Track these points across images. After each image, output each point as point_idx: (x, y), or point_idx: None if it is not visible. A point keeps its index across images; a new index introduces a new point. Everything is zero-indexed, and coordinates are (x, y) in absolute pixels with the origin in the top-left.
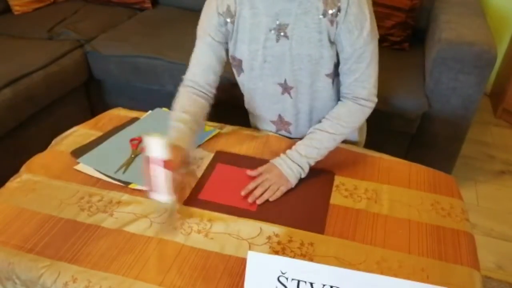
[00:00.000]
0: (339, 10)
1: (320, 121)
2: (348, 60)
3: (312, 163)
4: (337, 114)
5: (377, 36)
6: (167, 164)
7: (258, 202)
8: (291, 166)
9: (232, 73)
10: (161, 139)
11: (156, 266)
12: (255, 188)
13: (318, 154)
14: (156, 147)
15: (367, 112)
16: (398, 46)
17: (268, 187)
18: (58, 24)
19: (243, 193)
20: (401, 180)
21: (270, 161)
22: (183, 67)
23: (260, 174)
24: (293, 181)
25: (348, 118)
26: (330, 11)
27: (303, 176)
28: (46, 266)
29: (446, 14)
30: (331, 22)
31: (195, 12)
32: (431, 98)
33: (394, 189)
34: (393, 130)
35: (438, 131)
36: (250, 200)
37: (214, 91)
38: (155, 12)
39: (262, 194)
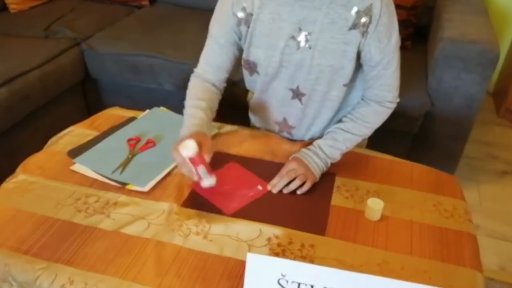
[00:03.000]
0: (370, 20)
1: (340, 120)
2: (375, 68)
3: (333, 162)
4: (362, 116)
5: (400, 42)
6: (198, 159)
7: (285, 191)
8: (316, 161)
9: (233, 72)
10: (189, 142)
11: (154, 268)
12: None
13: (339, 155)
14: (188, 149)
15: (390, 112)
16: (400, 44)
17: (295, 178)
18: (55, 22)
19: (269, 187)
20: (403, 181)
21: (293, 155)
22: (182, 65)
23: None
24: (318, 176)
25: (373, 119)
26: (362, 21)
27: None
28: (43, 268)
29: (448, 12)
30: (362, 33)
31: (193, 9)
32: (434, 97)
33: (396, 190)
34: (395, 130)
35: (441, 131)
36: (274, 191)
37: (225, 84)
38: (153, 9)
39: (288, 184)
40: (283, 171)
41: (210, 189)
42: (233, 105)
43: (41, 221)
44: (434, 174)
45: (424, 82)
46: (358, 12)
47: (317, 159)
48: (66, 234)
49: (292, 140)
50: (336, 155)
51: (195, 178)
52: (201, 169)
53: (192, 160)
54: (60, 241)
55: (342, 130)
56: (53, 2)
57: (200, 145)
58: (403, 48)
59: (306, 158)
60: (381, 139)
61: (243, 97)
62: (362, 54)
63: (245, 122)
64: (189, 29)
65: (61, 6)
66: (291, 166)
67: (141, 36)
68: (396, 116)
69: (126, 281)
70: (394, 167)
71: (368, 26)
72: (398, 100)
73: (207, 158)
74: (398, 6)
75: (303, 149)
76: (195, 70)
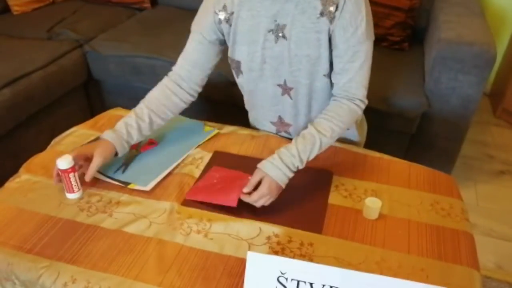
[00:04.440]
0: (336, 7)
1: (316, 120)
2: (341, 59)
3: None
4: (338, 115)
5: (373, 38)
6: (72, 171)
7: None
8: (289, 176)
9: (232, 73)
10: (65, 156)
11: (156, 266)
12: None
13: (313, 157)
14: (62, 162)
15: (360, 114)
16: (397, 46)
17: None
18: (57, 24)
19: (242, 197)
20: (401, 180)
21: (262, 169)
22: None
23: (255, 190)
24: (284, 185)
25: (347, 118)
26: (329, 9)
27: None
28: (46, 266)
29: (445, 14)
30: (330, 20)
31: (194, 12)
32: (431, 98)
33: (394, 189)
34: (393, 130)
35: (438, 131)
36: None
37: (198, 88)
38: (154, 12)
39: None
40: (255, 195)
41: (205, 192)
42: (233, 105)
43: (44, 220)
44: (431, 173)
45: (421, 84)
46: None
47: (291, 173)
48: (69, 233)
49: (291, 140)
50: (311, 157)
51: (65, 188)
52: (73, 180)
53: (63, 171)
54: (63, 240)
55: (321, 133)
56: (56, 4)
57: (89, 161)
58: (400, 49)
59: (282, 179)
60: (378, 139)
61: (243, 97)
62: (331, 44)
63: (245, 122)
64: (190, 31)
65: (63, 8)
66: (264, 191)
67: (143, 38)
68: (394, 116)
69: (128, 279)
70: (392, 167)
71: (334, 13)
72: (367, 102)
73: (88, 177)
74: (396, 9)
75: (275, 157)
76: (173, 67)
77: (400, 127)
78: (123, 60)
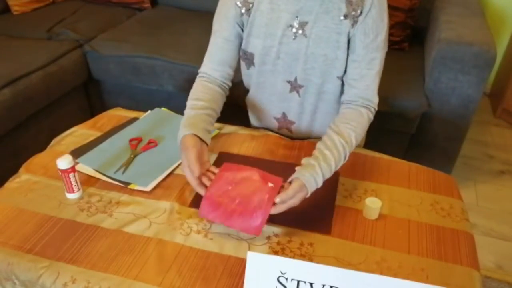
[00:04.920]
0: (361, 12)
1: (339, 128)
2: (359, 64)
3: None
4: (361, 125)
5: (387, 48)
6: (72, 171)
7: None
8: (318, 183)
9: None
10: (65, 156)
11: (156, 266)
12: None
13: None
14: (62, 162)
15: (370, 122)
16: (397, 46)
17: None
18: (57, 24)
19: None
20: (401, 180)
21: (306, 184)
22: (183, 67)
23: (289, 199)
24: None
25: (366, 129)
26: (353, 13)
27: None
28: (45, 266)
29: (445, 14)
30: (353, 24)
31: (194, 12)
32: (431, 98)
33: (394, 189)
34: (393, 130)
35: (438, 131)
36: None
37: (230, 83)
38: (154, 12)
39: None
40: (283, 207)
41: (221, 211)
42: (233, 105)
43: (44, 220)
44: (431, 173)
45: (421, 83)
46: (351, 2)
47: (321, 180)
48: (69, 233)
49: (292, 139)
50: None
51: (65, 188)
52: (72, 180)
53: (63, 171)
54: (63, 240)
55: (349, 145)
56: (56, 4)
57: (198, 156)
58: (400, 49)
59: (311, 186)
60: (378, 139)
61: (243, 97)
62: (349, 48)
63: (245, 122)
64: (190, 31)
65: (63, 8)
66: (294, 204)
67: (143, 38)
68: (394, 116)
69: (128, 279)
70: (392, 167)
71: (358, 17)
72: (376, 109)
73: (196, 168)
74: (396, 9)
75: (320, 183)
76: (199, 70)
77: (400, 127)
78: (123, 60)
